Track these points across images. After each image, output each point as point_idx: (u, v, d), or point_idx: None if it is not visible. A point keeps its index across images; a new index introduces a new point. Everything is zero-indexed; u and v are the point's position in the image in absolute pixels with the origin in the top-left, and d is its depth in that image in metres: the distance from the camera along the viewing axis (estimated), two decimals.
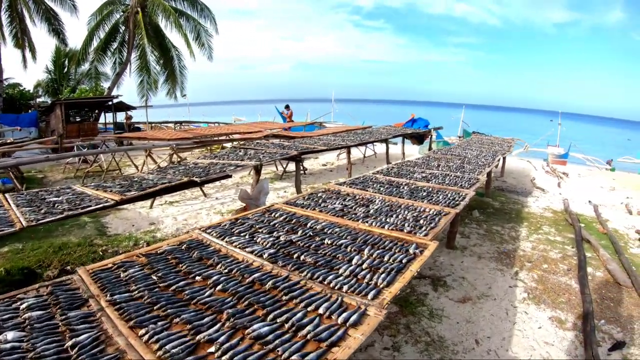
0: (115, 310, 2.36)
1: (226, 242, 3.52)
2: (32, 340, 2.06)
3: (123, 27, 20.38)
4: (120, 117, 21.34)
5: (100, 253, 6.39)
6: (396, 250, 3.36)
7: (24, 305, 2.41)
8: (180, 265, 3.02)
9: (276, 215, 4.37)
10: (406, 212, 4.59)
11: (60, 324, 2.23)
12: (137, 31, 19.20)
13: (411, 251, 3.31)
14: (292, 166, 13.26)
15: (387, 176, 6.96)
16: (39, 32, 19.46)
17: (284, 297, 2.49)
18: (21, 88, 22.16)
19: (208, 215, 8.34)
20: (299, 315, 2.27)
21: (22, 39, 19.33)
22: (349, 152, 11.13)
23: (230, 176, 6.86)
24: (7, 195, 5.39)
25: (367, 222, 4.16)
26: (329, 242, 3.53)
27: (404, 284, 2.69)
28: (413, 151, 17.02)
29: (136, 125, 21.53)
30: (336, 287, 2.64)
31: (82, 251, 6.42)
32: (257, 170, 8.18)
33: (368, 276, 2.81)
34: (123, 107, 19.64)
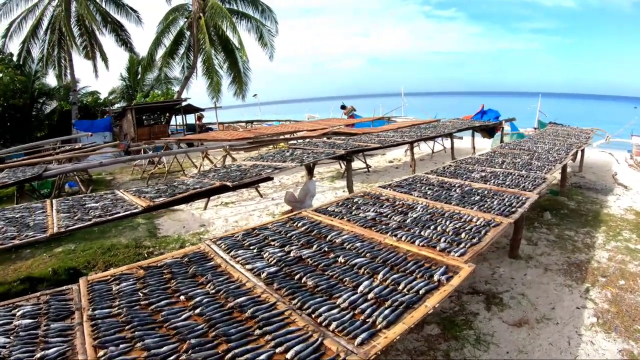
0: (90, 326, 2.24)
1: (231, 256, 3.18)
2: (12, 347, 2.06)
3: (188, 33, 21.16)
4: (191, 119, 22.29)
5: (146, 255, 6.41)
6: (417, 275, 2.74)
7: (19, 313, 2.43)
8: (172, 282, 2.75)
9: (298, 225, 3.94)
10: (448, 223, 3.89)
11: (39, 334, 2.20)
12: (199, 36, 19.83)
13: (436, 278, 2.68)
14: (354, 164, 12.81)
15: (440, 176, 6.21)
16: (109, 42, 21.14)
17: (257, 331, 2.07)
18: (99, 94, 23.97)
19: (260, 217, 8.15)
20: (262, 357, 1.85)
21: (92, 51, 20.78)
22: (412, 149, 10.42)
23: (270, 178, 6.58)
24: (54, 200, 5.53)
25: (396, 235, 3.55)
26: (343, 260, 3.02)
27: (409, 327, 2.11)
28: (485, 145, 15.71)
29: (208, 126, 22.32)
30: (324, 323, 2.15)
31: (128, 253, 6.51)
32: (309, 170, 7.88)
33: (369, 310, 2.27)
34: (192, 109, 20.38)
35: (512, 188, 5.30)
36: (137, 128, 18.18)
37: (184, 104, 19.71)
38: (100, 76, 22.17)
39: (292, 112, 35.48)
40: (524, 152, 8.38)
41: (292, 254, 3.17)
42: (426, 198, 4.87)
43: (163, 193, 5.42)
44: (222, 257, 3.17)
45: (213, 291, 2.57)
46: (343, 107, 19.03)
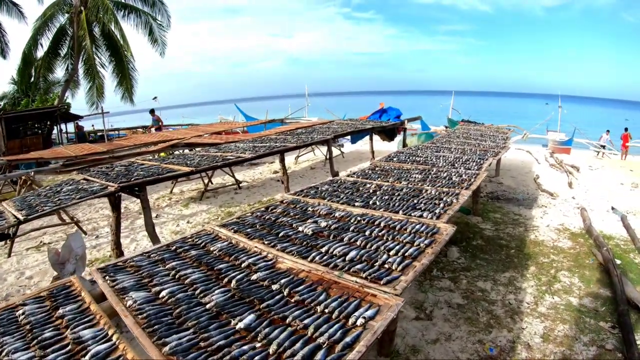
0: None
1: None
2: None
3: (71, 30, 17.16)
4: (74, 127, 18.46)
5: None
6: None
7: None
8: None
9: None
10: None
11: None
12: (80, 32, 16.00)
13: None
14: (222, 178, 9.67)
15: (259, 231, 3.29)
16: None
17: None
18: None
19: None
20: None
21: None
22: (282, 162, 7.47)
23: (5, 236, 3.64)
24: None
25: None
26: None
27: None
28: (390, 147, 13.11)
29: (105, 134, 18.34)
30: None
31: None
32: (113, 204, 5.00)
33: None
34: (70, 116, 16.50)
35: (369, 266, 2.52)
36: (7, 141, 14.29)
37: (64, 110, 15.78)
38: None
39: (204, 115, 32.19)
40: (417, 167, 5.81)
41: None
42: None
43: None
44: None
45: None
46: (152, 112, 15.33)
